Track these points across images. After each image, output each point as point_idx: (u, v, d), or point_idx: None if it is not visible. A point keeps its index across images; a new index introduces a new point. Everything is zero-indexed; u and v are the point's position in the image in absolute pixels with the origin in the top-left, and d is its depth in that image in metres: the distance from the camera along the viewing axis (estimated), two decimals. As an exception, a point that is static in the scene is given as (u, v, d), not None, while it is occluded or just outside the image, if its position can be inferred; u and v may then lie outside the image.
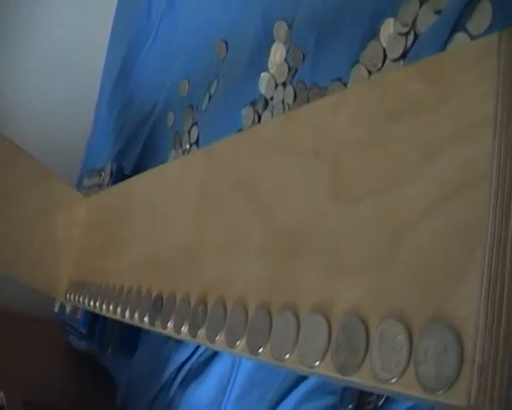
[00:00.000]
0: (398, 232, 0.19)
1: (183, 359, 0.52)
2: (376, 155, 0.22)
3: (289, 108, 0.46)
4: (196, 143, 0.60)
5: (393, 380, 0.18)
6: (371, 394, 0.33)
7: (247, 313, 0.26)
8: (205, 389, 0.50)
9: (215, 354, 0.49)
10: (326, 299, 0.22)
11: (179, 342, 0.53)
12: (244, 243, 0.29)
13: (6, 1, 1.00)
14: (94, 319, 0.64)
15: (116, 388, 0.67)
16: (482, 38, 0.32)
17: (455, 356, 0.16)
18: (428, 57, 0.21)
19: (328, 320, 0.21)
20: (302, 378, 0.38)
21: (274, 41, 0.50)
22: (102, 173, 0.69)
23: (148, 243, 0.41)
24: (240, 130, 0.51)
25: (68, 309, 0.67)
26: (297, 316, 0.23)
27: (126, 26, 0.89)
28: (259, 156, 0.30)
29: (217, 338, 0.28)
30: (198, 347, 0.51)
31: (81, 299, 0.51)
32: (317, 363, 0.21)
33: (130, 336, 0.63)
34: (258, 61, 0.51)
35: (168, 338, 0.54)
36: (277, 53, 0.49)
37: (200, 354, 0.51)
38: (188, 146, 0.61)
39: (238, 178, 0.31)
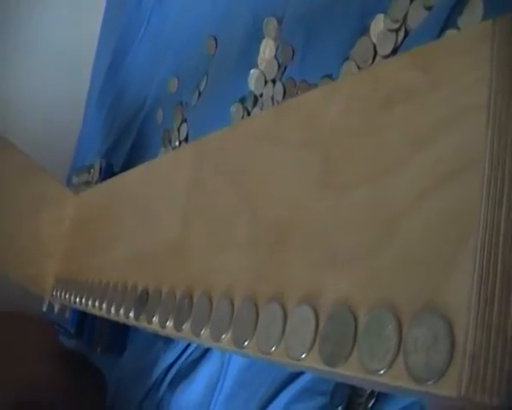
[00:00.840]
0: (389, 221, 0.19)
1: (171, 359, 0.52)
2: (368, 144, 0.21)
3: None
4: (186, 140, 0.60)
5: (382, 371, 0.18)
6: (361, 394, 0.33)
7: (232, 306, 0.26)
8: (193, 389, 0.49)
9: (204, 355, 0.49)
10: (314, 289, 0.21)
11: (168, 343, 0.53)
12: (231, 236, 0.28)
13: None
14: (82, 318, 0.64)
15: (107, 387, 0.66)
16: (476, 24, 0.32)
17: (445, 346, 0.16)
18: (421, 46, 0.21)
19: (315, 311, 0.21)
20: (291, 379, 0.38)
21: (263, 37, 0.49)
22: (92, 171, 0.69)
23: (136, 239, 0.40)
24: (229, 126, 0.51)
25: (57, 308, 0.66)
26: (284, 308, 0.22)
27: (116, 19, 0.88)
28: (249, 149, 0.29)
29: (202, 332, 0.28)
30: (187, 347, 0.51)
31: (67, 296, 0.51)
32: (304, 355, 0.21)
33: (119, 336, 0.62)
34: (248, 57, 0.50)
35: (156, 338, 0.54)
36: (267, 49, 0.49)
37: (189, 355, 0.51)
38: (177, 143, 0.61)
39: (227, 172, 0.31)
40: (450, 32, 0.33)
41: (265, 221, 0.26)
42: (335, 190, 0.22)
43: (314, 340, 0.20)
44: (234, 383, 0.44)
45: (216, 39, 0.58)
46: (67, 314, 0.64)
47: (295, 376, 0.38)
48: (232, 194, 0.29)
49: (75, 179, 0.73)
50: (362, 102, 0.23)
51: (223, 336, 0.26)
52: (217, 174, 0.32)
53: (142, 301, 0.35)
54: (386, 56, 0.37)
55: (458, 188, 0.17)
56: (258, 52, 0.50)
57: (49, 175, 0.61)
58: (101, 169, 0.67)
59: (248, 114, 0.49)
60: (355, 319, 0.19)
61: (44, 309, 0.68)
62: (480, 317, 0.16)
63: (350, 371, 0.19)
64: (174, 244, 0.34)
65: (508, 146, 0.17)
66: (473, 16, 0.32)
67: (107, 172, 0.66)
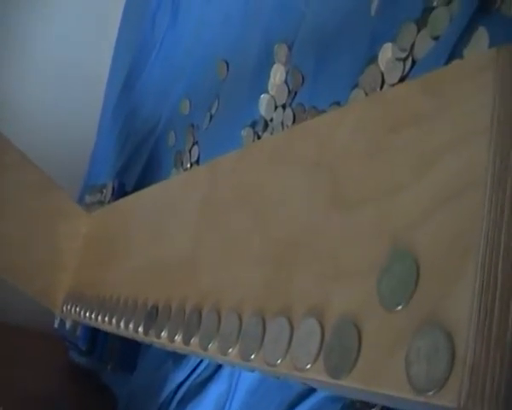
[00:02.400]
0: (395, 235, 0.20)
1: (180, 378, 0.52)
2: (375, 164, 0.22)
3: (288, 131, 0.47)
4: (197, 162, 0.61)
5: (385, 382, 0.18)
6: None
7: (240, 320, 0.27)
8: (202, 409, 0.49)
9: (213, 375, 0.49)
10: (320, 303, 0.22)
11: (177, 362, 0.53)
12: (241, 253, 0.29)
13: (6, 6, 1.01)
14: (93, 335, 0.64)
15: (116, 404, 0.66)
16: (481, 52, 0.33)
17: (446, 357, 0.17)
18: (429, 73, 0.22)
19: (321, 324, 0.21)
20: (299, 401, 0.38)
21: (274, 62, 0.50)
22: (104, 190, 0.70)
23: (147, 255, 0.41)
24: (240, 150, 0.52)
25: (68, 325, 0.67)
26: (291, 321, 0.23)
27: (130, 39, 0.89)
28: (261, 170, 0.30)
29: (209, 346, 0.28)
30: (196, 367, 0.51)
31: (77, 310, 0.51)
32: (309, 366, 0.21)
33: (130, 354, 0.63)
34: (259, 82, 0.51)
35: (167, 357, 0.54)
36: (277, 74, 0.50)
37: (198, 375, 0.51)
38: (189, 165, 0.62)
39: (239, 191, 0.32)
40: (456, 62, 0.34)
41: (275, 239, 0.27)
42: (343, 209, 0.23)
43: (319, 352, 0.21)
44: (241, 404, 0.44)
45: (227, 63, 0.59)
46: (79, 331, 0.64)
47: (303, 398, 0.38)
48: (243, 213, 0.30)
49: (88, 198, 0.74)
50: (370, 125, 0.23)
51: (230, 350, 0.27)
52: (229, 194, 0.33)
53: (152, 316, 0.36)
54: (394, 85, 0.38)
55: (461, 207, 0.18)
56: (268, 77, 0.51)
57: (63, 191, 0.62)
58: (113, 189, 0.68)
59: (259, 138, 0.50)
60: (359, 332, 0.20)
61: (56, 325, 0.69)
62: (479, 329, 0.16)
63: (353, 384, 0.19)
64: (184, 260, 0.34)
65: (508, 168, 0.17)
66: (478, 47, 0.33)
67: (120, 192, 0.67)
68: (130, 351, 0.61)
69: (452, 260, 0.18)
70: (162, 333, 0.34)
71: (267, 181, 0.29)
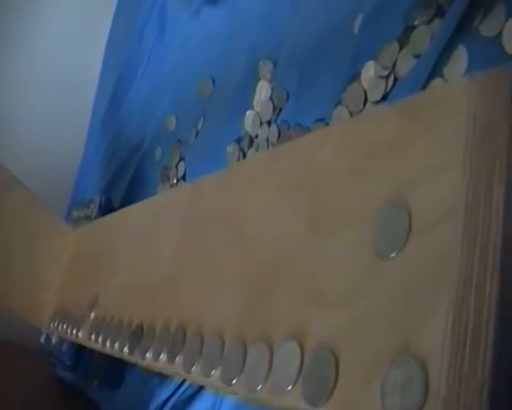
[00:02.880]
0: (373, 264, 0.20)
1: (166, 395, 0.52)
2: (354, 189, 0.22)
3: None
4: (183, 177, 0.61)
5: (361, 412, 0.18)
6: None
7: (223, 343, 0.27)
8: None
9: (197, 392, 0.49)
10: (299, 330, 0.22)
11: (163, 379, 0.53)
12: (222, 276, 0.29)
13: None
14: (79, 351, 0.64)
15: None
16: (456, 80, 0.33)
17: (420, 389, 0.17)
18: (405, 98, 0.22)
19: (300, 352, 0.22)
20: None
21: (259, 79, 0.51)
22: (91, 205, 0.70)
23: (132, 274, 0.41)
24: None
25: (54, 340, 0.66)
26: (270, 347, 0.23)
27: (118, 54, 0.90)
28: (242, 191, 0.30)
29: (193, 369, 0.28)
30: (181, 384, 0.51)
31: (64, 327, 0.51)
32: (287, 394, 0.21)
33: (116, 370, 0.62)
34: (244, 98, 0.52)
35: (152, 374, 0.54)
36: (263, 91, 0.50)
37: (183, 392, 0.51)
38: (175, 181, 0.62)
39: (220, 213, 0.32)
40: (437, 81, 0.34)
41: (255, 263, 0.27)
42: (322, 234, 0.23)
43: (298, 379, 0.21)
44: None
45: (213, 80, 0.59)
46: (65, 347, 0.64)
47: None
48: (224, 235, 0.30)
49: (75, 213, 0.74)
50: (349, 149, 0.24)
51: (212, 373, 0.27)
52: (210, 215, 0.33)
53: (137, 337, 0.36)
54: (377, 102, 0.39)
55: (436, 237, 0.18)
56: (254, 93, 0.51)
57: (45, 207, 0.61)
58: (100, 204, 0.68)
59: (244, 154, 0.50)
60: (336, 361, 0.20)
61: (42, 341, 0.69)
62: (451, 363, 0.16)
63: (330, 412, 0.20)
64: (167, 281, 0.35)
65: (481, 200, 0.18)
66: (457, 66, 0.33)
67: (107, 208, 0.67)
68: (115, 367, 0.61)
69: (427, 291, 0.18)
70: (147, 354, 0.34)
71: (248, 203, 0.29)
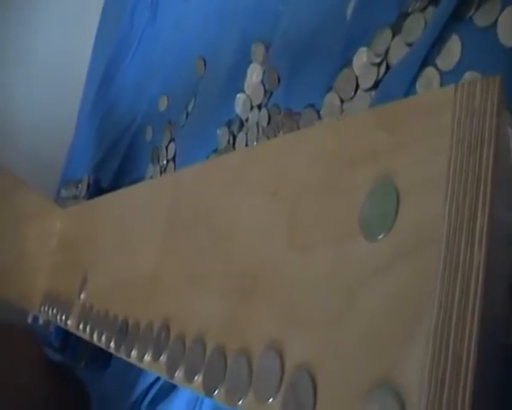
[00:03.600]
0: (350, 289, 0.19)
1: (151, 379, 0.52)
2: (330, 204, 0.21)
3: (263, 131, 0.46)
4: (173, 159, 0.60)
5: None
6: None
7: (204, 351, 0.26)
8: (174, 409, 0.49)
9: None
10: (278, 349, 0.21)
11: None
12: (204, 278, 0.28)
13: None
14: (67, 331, 0.64)
15: (91, 401, 0.66)
16: (439, 88, 0.32)
17: (397, 424, 0.16)
18: (385, 105, 0.21)
19: (278, 373, 0.21)
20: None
21: (251, 62, 0.49)
22: (79, 185, 0.69)
23: (115, 267, 0.40)
24: (215, 150, 0.51)
25: (41, 321, 0.66)
26: (250, 363, 0.23)
27: (109, 35, 0.88)
28: (219, 190, 0.29)
29: (176, 373, 0.28)
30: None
31: (54, 312, 0.51)
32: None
33: (103, 352, 0.62)
34: (235, 80, 0.50)
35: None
36: (254, 74, 0.49)
37: None
38: (165, 162, 0.61)
39: (201, 209, 0.31)
40: (429, 71, 0.33)
41: (235, 269, 0.26)
42: (300, 250, 0.22)
43: (276, 400, 0.21)
44: (213, 406, 0.44)
45: (205, 61, 0.58)
46: (52, 327, 0.64)
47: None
48: (205, 235, 0.29)
49: (64, 192, 0.73)
50: (326, 158, 0.23)
51: (195, 378, 0.27)
52: (192, 211, 0.32)
53: (123, 332, 0.36)
54: (368, 89, 0.38)
55: (416, 263, 0.17)
56: (245, 76, 0.50)
57: (33, 189, 0.60)
58: (88, 184, 0.67)
59: (234, 137, 0.49)
60: (314, 388, 0.19)
61: (29, 321, 0.69)
62: (430, 398, 0.16)
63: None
64: (149, 279, 0.34)
65: (464, 224, 0.17)
66: (450, 56, 0.32)
67: (95, 188, 0.66)
68: (102, 349, 0.61)
69: (405, 321, 0.17)
70: (132, 352, 0.34)
71: (225, 204, 0.28)
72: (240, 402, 0.23)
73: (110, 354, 0.62)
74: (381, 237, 0.19)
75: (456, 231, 0.17)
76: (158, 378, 0.52)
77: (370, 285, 0.18)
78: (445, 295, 0.16)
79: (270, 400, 0.21)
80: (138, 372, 0.54)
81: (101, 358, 0.62)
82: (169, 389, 0.50)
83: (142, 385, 0.53)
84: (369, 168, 0.20)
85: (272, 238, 0.24)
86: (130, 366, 0.56)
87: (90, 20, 1.00)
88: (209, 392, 0.25)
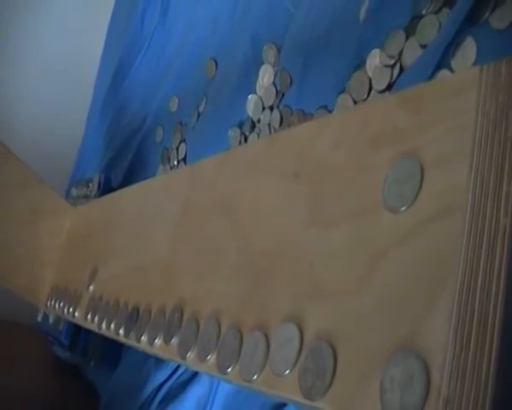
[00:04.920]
0: (372, 258, 0.20)
1: (162, 379, 0.52)
2: (353, 182, 0.22)
3: (275, 132, 0.46)
4: (184, 160, 0.60)
5: (358, 408, 0.18)
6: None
7: (219, 329, 0.26)
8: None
9: (193, 377, 0.49)
10: (296, 321, 0.22)
11: (159, 362, 0.53)
12: (220, 262, 0.29)
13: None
14: (76, 330, 0.64)
15: (99, 400, 0.66)
16: (463, 70, 0.32)
17: (421, 386, 0.16)
18: (410, 88, 0.22)
19: (296, 344, 0.21)
20: (281, 406, 0.38)
21: (263, 63, 0.50)
22: (90, 185, 0.69)
23: (129, 256, 0.41)
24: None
25: (51, 319, 0.66)
26: (267, 337, 0.23)
27: (120, 36, 0.89)
28: (240, 177, 0.30)
29: (188, 354, 0.28)
30: (177, 368, 0.51)
31: (60, 306, 0.51)
32: (283, 386, 0.21)
33: (113, 350, 0.62)
34: (247, 82, 0.51)
35: (148, 356, 0.54)
36: (266, 75, 0.50)
37: (179, 376, 0.51)
38: (176, 162, 0.61)
39: (219, 198, 0.31)
40: (443, 73, 0.34)
41: (253, 251, 0.26)
42: (321, 226, 0.23)
43: (294, 372, 0.21)
44: (223, 406, 0.44)
45: (216, 62, 0.59)
46: (61, 326, 0.64)
47: (282, 405, 0.38)
48: (222, 221, 0.30)
49: (74, 192, 0.73)
50: (350, 140, 0.23)
51: (208, 358, 0.27)
52: (209, 200, 0.32)
53: (133, 319, 0.36)
54: (382, 91, 0.38)
55: (440, 230, 0.18)
56: (257, 78, 0.50)
57: (47, 186, 0.61)
58: (99, 184, 0.67)
59: (245, 139, 0.50)
60: (334, 354, 0.19)
61: (39, 319, 0.68)
62: (455, 360, 0.16)
63: (326, 407, 0.19)
64: (163, 266, 0.34)
65: (489, 192, 0.17)
66: (465, 58, 0.33)
67: (106, 188, 0.67)
68: (112, 347, 0.61)
69: (429, 285, 0.17)
70: (142, 337, 0.34)
71: (246, 190, 0.29)
72: (255, 377, 0.23)
73: (120, 354, 0.62)
74: (404, 208, 0.19)
75: (482, 198, 0.17)
76: (168, 378, 0.51)
77: (393, 253, 0.19)
78: (471, 258, 0.17)
79: (287, 371, 0.21)
80: (148, 372, 0.54)
81: (111, 357, 0.62)
82: (179, 390, 0.50)
83: (152, 385, 0.53)
84: (393, 146, 0.21)
85: (292, 217, 0.24)
86: (140, 366, 0.56)
87: (91, 20, 1.01)
88: (223, 370, 0.25)
